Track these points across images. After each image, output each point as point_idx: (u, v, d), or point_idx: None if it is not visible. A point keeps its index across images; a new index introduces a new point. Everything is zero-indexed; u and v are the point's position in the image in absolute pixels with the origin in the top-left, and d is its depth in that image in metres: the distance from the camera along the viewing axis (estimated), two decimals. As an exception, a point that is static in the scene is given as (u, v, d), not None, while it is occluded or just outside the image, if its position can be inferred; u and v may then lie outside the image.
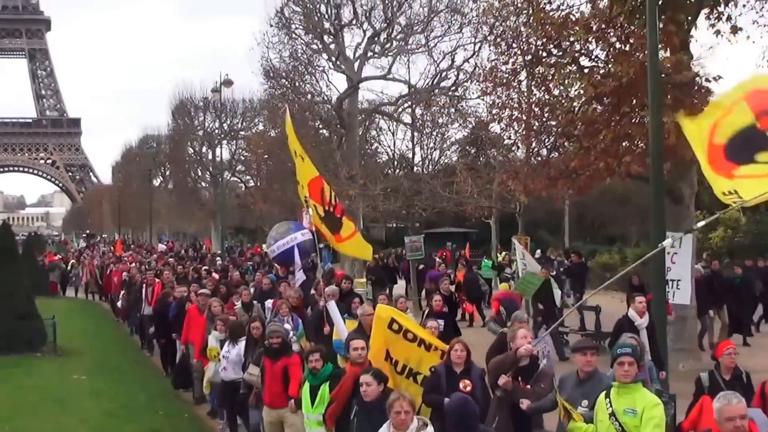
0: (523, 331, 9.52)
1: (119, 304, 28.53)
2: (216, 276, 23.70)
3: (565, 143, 20.79)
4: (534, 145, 22.51)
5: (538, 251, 35.07)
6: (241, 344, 12.56)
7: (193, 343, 15.76)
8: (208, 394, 14.79)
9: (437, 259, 33.17)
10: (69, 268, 45.52)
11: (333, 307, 13.30)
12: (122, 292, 27.66)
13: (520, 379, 9.11)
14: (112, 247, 64.51)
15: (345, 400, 9.10)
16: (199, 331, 15.28)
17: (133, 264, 32.54)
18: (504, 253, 35.03)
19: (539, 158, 22.87)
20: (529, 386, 9.07)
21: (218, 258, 39.22)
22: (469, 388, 9.08)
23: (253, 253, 41.98)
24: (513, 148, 26.06)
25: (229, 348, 12.80)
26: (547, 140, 22.18)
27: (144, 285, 22.97)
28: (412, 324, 10.36)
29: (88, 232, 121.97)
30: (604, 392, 7.56)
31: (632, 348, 7.62)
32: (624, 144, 18.05)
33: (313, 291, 17.21)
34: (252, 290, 18.57)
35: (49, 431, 13.01)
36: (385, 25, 33.77)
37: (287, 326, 13.48)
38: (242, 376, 12.02)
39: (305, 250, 20.37)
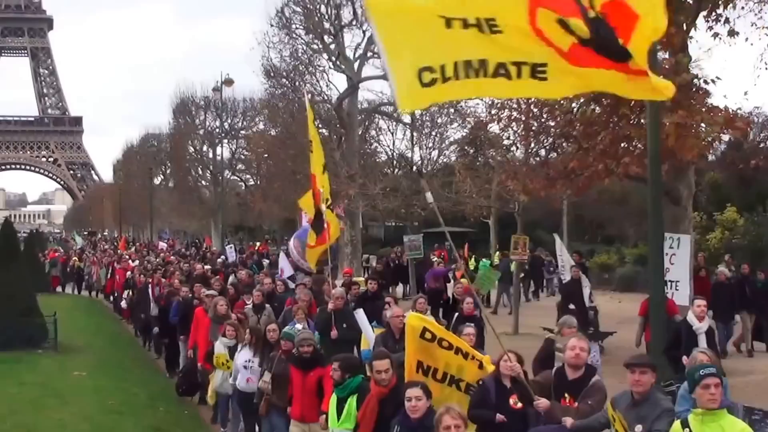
0: (573, 341, 8.31)
1: (123, 303, 27.83)
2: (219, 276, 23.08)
3: (564, 144, 20.89)
4: (533, 145, 22.65)
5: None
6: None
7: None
8: (213, 405, 13.95)
9: (434, 258, 33.20)
10: (82, 266, 45.24)
11: (361, 316, 12.70)
12: (127, 292, 27.10)
13: (567, 395, 8.14)
14: (113, 244, 64.71)
15: (372, 422, 8.37)
16: (204, 334, 14.45)
17: (137, 262, 32.14)
18: (498, 252, 35.10)
19: (538, 158, 23.00)
20: (576, 404, 8.02)
21: (222, 256, 39.02)
22: (520, 405, 8.21)
23: (251, 252, 41.93)
24: (512, 149, 26.17)
25: (251, 357, 11.76)
26: (545, 141, 22.30)
27: (150, 285, 22.59)
28: (446, 332, 9.47)
29: (89, 229, 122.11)
30: (679, 420, 6.63)
31: (716, 368, 6.70)
32: (622, 145, 18.14)
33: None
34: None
35: (50, 427, 13.02)
36: (386, 25, 33.89)
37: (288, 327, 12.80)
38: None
39: None
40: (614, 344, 19.69)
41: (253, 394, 11.36)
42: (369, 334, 12.28)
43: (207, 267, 26.65)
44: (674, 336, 13.38)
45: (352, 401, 8.78)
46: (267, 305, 15.65)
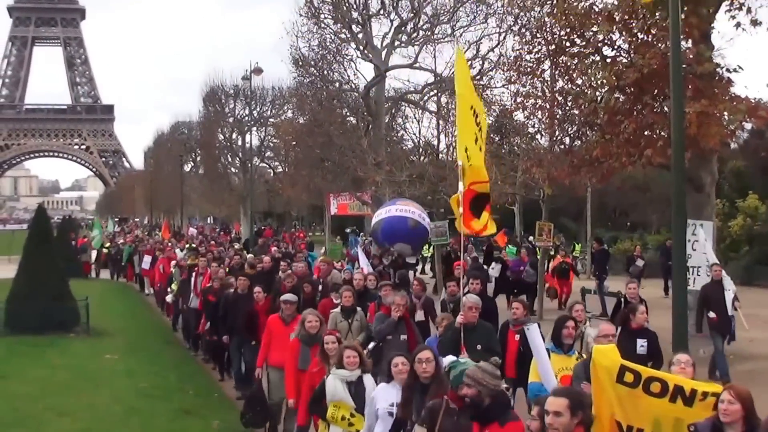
0: (724, 395, 5.88)
1: (169, 298, 24.12)
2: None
3: (588, 132, 21.00)
4: (557, 133, 22.77)
5: (531, 237, 35.25)
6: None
7: (275, 366, 11.75)
8: None
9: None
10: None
11: (535, 333, 8.29)
12: (170, 287, 23.63)
13: None
14: (148, 231, 65.25)
15: None
16: (290, 356, 10.80)
17: (184, 251, 29.95)
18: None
19: (562, 146, 23.11)
20: None
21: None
22: None
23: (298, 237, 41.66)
24: (537, 136, 26.29)
25: (394, 399, 7.80)
26: (570, 129, 22.41)
27: (195, 274, 19.93)
28: (652, 370, 6.64)
29: (120, 216, 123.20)
30: None
31: None
32: (646, 133, 18.23)
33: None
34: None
35: (81, 409, 13.15)
36: (412, 15, 34.10)
37: (451, 357, 8.41)
38: None
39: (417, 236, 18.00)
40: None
41: None
42: (542, 360, 8.24)
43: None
44: None
45: None
46: (358, 308, 12.82)
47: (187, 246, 34.45)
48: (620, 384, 6.20)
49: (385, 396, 7.84)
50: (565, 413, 5.51)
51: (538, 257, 26.93)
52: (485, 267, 27.48)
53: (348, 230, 49.68)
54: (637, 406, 6.17)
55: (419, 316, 13.02)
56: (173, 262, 24.68)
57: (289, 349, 10.87)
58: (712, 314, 15.74)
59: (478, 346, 9.61)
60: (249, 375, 13.96)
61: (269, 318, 12.49)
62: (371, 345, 11.01)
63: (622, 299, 14.13)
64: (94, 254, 43.92)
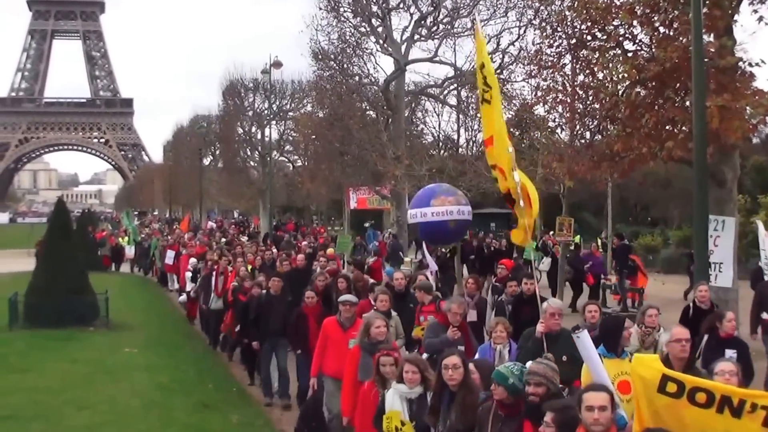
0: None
1: (182, 298, 24.30)
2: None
3: (609, 126, 20.86)
4: (578, 127, 22.64)
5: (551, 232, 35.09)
6: None
7: (332, 376, 10.71)
8: None
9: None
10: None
11: (586, 340, 7.10)
12: (193, 286, 22.90)
13: None
14: (167, 224, 65.39)
15: None
16: (349, 366, 9.71)
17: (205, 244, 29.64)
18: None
19: (583, 141, 22.97)
20: None
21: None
22: None
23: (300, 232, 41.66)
24: (557, 131, 26.17)
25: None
26: (590, 123, 22.27)
27: (214, 273, 19.58)
28: (697, 379, 6.11)
29: (139, 210, 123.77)
30: None
31: None
32: (667, 128, 18.08)
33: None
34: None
35: (101, 402, 13.21)
36: (432, 8, 34.00)
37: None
38: None
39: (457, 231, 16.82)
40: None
41: None
42: (596, 367, 6.99)
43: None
44: None
45: None
46: (393, 313, 11.74)
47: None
48: (662, 394, 5.80)
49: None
50: (609, 407, 5.37)
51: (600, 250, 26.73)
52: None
53: (366, 224, 49.63)
54: (682, 417, 5.75)
55: (471, 316, 12.05)
56: (192, 260, 24.16)
57: (348, 358, 9.74)
58: (765, 315, 14.94)
59: (564, 357, 8.18)
60: (303, 392, 12.64)
61: (325, 321, 11.30)
62: (424, 356, 9.84)
63: (692, 304, 12.83)
64: (132, 250, 43.88)
